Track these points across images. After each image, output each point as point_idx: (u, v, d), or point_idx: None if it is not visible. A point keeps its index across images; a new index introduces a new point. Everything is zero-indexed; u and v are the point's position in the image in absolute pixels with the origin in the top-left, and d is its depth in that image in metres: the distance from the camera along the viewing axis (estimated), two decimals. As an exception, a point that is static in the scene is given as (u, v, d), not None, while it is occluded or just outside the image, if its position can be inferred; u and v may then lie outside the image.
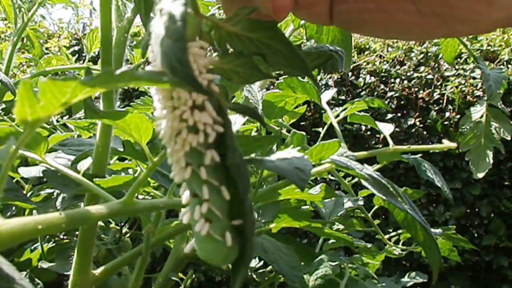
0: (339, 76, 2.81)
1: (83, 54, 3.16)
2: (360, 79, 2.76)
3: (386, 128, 0.87)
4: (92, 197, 0.60)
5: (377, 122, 0.88)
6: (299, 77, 0.76)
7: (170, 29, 0.28)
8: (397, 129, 2.56)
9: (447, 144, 0.88)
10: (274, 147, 0.61)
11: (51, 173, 0.60)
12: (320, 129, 1.29)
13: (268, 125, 0.99)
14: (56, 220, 0.35)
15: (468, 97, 2.46)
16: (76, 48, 3.25)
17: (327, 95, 0.86)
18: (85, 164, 0.53)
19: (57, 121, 1.62)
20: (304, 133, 0.60)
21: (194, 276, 1.19)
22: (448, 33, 0.36)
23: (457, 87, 2.49)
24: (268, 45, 0.33)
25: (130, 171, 1.08)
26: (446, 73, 2.60)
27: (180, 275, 1.18)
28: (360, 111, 0.89)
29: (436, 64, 2.69)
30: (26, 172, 0.94)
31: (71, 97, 0.27)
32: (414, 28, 0.35)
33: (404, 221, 0.69)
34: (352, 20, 0.36)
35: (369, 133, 2.61)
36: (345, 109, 0.98)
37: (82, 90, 0.26)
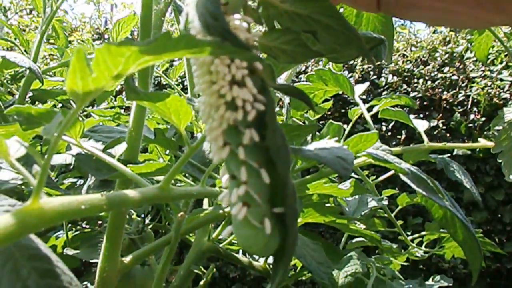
0: (360, 75, 2.78)
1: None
2: (382, 79, 2.72)
3: (421, 125, 0.85)
4: (123, 183, 0.60)
5: (412, 119, 0.86)
6: (332, 69, 0.74)
7: None
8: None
9: (483, 143, 0.85)
10: (309, 138, 0.59)
11: (84, 157, 0.60)
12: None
13: (292, 119, 0.98)
14: (98, 202, 0.34)
15: (494, 99, 2.41)
16: (98, 42, 3.28)
17: (360, 89, 0.84)
18: (120, 149, 0.53)
19: (82, 111, 1.63)
20: (341, 124, 0.59)
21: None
22: (506, 20, 0.34)
23: (483, 88, 2.44)
24: (319, 21, 0.31)
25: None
26: (472, 74, 2.55)
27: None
28: (393, 106, 0.86)
29: (462, 65, 2.64)
30: (53, 159, 0.94)
31: (124, 68, 0.26)
32: (469, 14, 0.33)
33: (443, 219, 0.67)
34: (401, 5, 0.35)
35: (389, 134, 2.57)
36: (373, 106, 0.96)
37: (137, 59, 0.25)
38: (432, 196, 0.54)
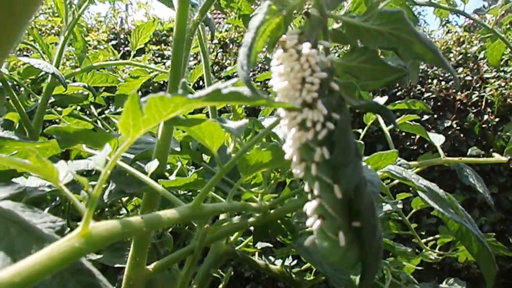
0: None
1: (120, 49, 3.20)
2: (396, 79, 2.72)
3: (437, 139, 0.86)
4: (151, 196, 0.62)
5: (428, 133, 0.88)
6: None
7: (245, 38, 0.31)
8: (432, 131, 2.52)
9: (497, 157, 0.87)
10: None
11: (114, 173, 0.63)
12: (357, 131, 1.29)
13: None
14: (138, 224, 0.36)
15: (508, 100, 2.40)
16: (114, 42, 3.28)
17: (379, 102, 0.86)
18: (152, 166, 0.55)
19: (99, 114, 1.66)
20: (362, 142, 0.61)
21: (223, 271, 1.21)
22: None
23: (496, 89, 2.44)
24: (399, 37, 0.33)
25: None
26: (486, 75, 2.54)
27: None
28: (411, 120, 0.88)
29: (475, 66, 2.63)
30: (75, 165, 0.97)
31: (172, 111, 0.28)
32: None
33: (458, 232, 0.69)
34: None
35: (403, 134, 2.57)
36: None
37: (184, 105, 0.27)
38: (448, 213, 0.56)
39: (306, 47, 0.32)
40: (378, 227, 0.30)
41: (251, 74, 2.92)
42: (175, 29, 0.55)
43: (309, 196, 0.33)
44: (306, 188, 0.33)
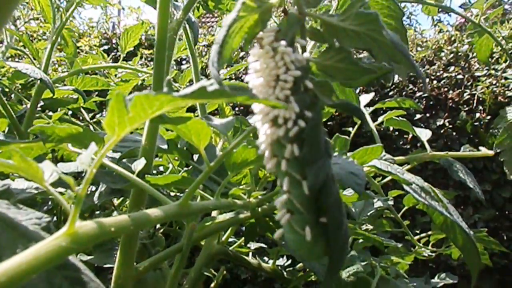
0: (366, 75, 2.78)
1: (112, 54, 3.19)
2: (388, 79, 2.73)
3: (424, 134, 0.87)
4: (138, 195, 0.62)
5: (414, 128, 0.89)
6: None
7: (217, 35, 0.31)
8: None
9: (484, 151, 0.87)
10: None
11: (102, 172, 0.63)
12: (348, 129, 1.29)
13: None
14: (125, 223, 0.36)
15: (499, 97, 2.42)
16: (106, 47, 3.27)
17: (365, 99, 0.87)
18: (139, 165, 0.55)
19: (91, 118, 1.66)
20: (347, 137, 0.61)
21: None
22: None
23: (488, 87, 2.45)
24: (374, 38, 0.34)
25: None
26: (477, 73, 2.55)
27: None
28: (397, 116, 0.89)
29: (467, 64, 2.64)
30: (65, 167, 0.96)
31: (157, 109, 0.29)
32: None
33: (443, 225, 0.69)
34: None
35: (396, 133, 2.58)
36: (378, 110, 0.97)
37: (169, 103, 0.28)
38: (433, 206, 0.56)
39: (281, 45, 0.32)
40: (344, 223, 0.31)
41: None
42: (157, 28, 0.55)
43: (280, 191, 0.34)
44: (278, 182, 0.34)
